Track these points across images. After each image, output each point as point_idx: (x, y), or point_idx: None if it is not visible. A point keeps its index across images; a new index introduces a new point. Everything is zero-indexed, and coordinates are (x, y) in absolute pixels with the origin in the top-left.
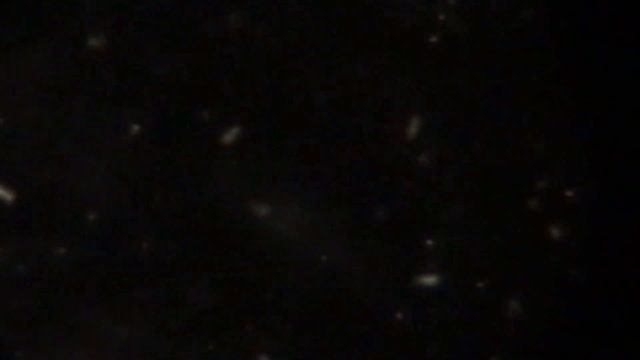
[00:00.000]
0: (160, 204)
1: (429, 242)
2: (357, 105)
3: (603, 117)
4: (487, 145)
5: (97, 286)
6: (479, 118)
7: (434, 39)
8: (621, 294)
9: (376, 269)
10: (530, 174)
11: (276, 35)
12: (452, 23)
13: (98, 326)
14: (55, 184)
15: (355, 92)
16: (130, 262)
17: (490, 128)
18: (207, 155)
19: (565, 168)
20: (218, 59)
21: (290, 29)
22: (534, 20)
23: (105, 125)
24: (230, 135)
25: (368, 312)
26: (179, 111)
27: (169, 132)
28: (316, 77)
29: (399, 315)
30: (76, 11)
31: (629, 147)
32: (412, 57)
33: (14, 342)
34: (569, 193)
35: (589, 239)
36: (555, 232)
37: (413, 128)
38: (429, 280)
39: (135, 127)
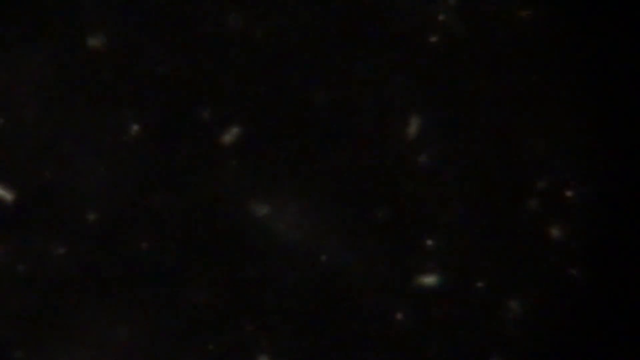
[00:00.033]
0: (160, 204)
1: (429, 242)
2: (357, 105)
3: (603, 117)
4: (487, 145)
5: (97, 286)
6: (479, 118)
7: (434, 39)
8: (621, 294)
9: (376, 269)
10: (530, 174)
11: (276, 35)
12: (452, 23)
13: (98, 326)
14: (55, 184)
15: (355, 92)
16: (130, 262)
17: (490, 128)
18: (207, 155)
19: (565, 168)
20: (218, 59)
21: (290, 29)
22: (533, 20)
23: (105, 125)
24: (230, 135)
25: (368, 312)
26: (179, 111)
27: (169, 132)
28: (316, 77)
29: (399, 315)
30: (76, 11)
31: (629, 147)
32: (412, 57)
33: (14, 341)
34: (569, 193)
35: (589, 239)
36: (555, 232)
37: (413, 128)
38: (429, 280)
39: (135, 127)
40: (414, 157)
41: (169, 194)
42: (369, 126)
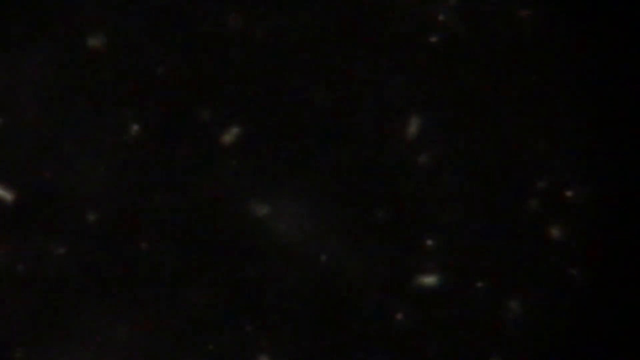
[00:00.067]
0: (160, 204)
1: (429, 242)
2: (357, 105)
3: (603, 117)
4: (487, 145)
5: (97, 286)
6: (479, 118)
7: (434, 39)
8: (621, 294)
9: (376, 269)
10: (530, 174)
11: (276, 35)
12: (452, 23)
13: (98, 326)
14: (55, 184)
15: (355, 92)
16: (130, 262)
17: (490, 128)
18: (207, 155)
19: (565, 168)
20: (218, 59)
21: (290, 29)
22: (533, 20)
23: (105, 125)
24: (230, 135)
25: (368, 312)
26: (179, 111)
27: (169, 132)
28: (316, 77)
29: (399, 315)
30: (76, 11)
31: (629, 147)
32: (412, 57)
33: (13, 341)
34: (569, 193)
35: (589, 239)
36: (555, 232)
37: (413, 128)
38: (429, 280)
39: (135, 127)
40: (414, 157)
41: (169, 194)
42: (369, 126)
